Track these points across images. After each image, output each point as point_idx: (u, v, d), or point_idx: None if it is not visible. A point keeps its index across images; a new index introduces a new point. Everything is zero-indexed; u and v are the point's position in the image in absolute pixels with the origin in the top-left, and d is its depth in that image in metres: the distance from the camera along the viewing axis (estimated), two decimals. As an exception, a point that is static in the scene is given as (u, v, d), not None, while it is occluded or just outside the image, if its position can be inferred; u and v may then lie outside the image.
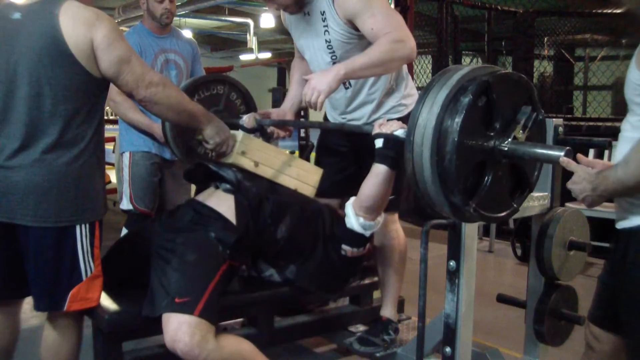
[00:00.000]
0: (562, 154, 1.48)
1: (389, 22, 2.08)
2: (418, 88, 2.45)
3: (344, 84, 2.31)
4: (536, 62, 6.74)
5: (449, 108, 1.48)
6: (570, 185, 1.56)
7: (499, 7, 6.41)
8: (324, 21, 2.21)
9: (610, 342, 1.72)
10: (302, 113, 6.81)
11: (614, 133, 1.76)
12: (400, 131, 1.89)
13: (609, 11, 5.86)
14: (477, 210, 1.53)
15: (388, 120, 2.03)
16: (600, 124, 5.38)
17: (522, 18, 6.22)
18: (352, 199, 2.09)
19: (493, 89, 1.50)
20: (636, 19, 1.61)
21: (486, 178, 1.54)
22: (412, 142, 1.52)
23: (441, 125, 1.47)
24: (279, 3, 2.22)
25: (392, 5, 4.87)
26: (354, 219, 2.07)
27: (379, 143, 1.97)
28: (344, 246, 2.11)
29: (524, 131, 1.56)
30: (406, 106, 2.36)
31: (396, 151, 1.91)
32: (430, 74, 6.44)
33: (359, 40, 2.19)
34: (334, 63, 2.27)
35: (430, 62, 6.31)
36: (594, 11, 6.31)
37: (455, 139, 1.44)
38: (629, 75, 1.57)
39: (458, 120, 1.45)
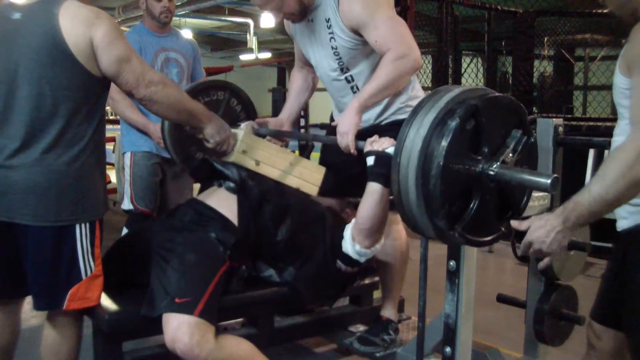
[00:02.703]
0: (549, 181, 1.45)
1: (391, 34, 2.06)
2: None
3: (352, 88, 2.31)
4: (536, 62, 6.73)
5: (436, 131, 1.46)
6: (530, 237, 1.49)
7: (499, 7, 6.41)
8: (329, 28, 2.20)
9: (611, 340, 1.72)
10: (301, 113, 6.81)
11: (614, 133, 1.76)
12: (391, 148, 1.86)
13: (609, 11, 5.85)
14: (463, 234, 1.52)
15: (382, 133, 2.02)
16: (600, 124, 5.37)
17: (522, 18, 6.22)
18: (353, 221, 2.07)
19: (482, 113, 1.48)
20: (622, 21, 1.61)
21: (473, 202, 1.53)
22: (398, 163, 1.51)
23: (427, 149, 1.46)
24: (284, 12, 2.21)
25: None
26: (349, 245, 2.05)
27: (370, 161, 1.95)
28: (339, 262, 2.10)
29: (514, 155, 1.55)
30: (412, 107, 2.35)
31: (388, 169, 1.89)
32: (430, 74, 6.44)
33: (364, 45, 2.18)
34: (341, 69, 2.27)
35: (430, 62, 6.31)
36: (594, 11, 6.30)
37: (441, 163, 1.43)
38: (615, 79, 1.58)
39: (444, 143, 1.44)
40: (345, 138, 2.06)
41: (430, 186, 1.45)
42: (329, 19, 2.18)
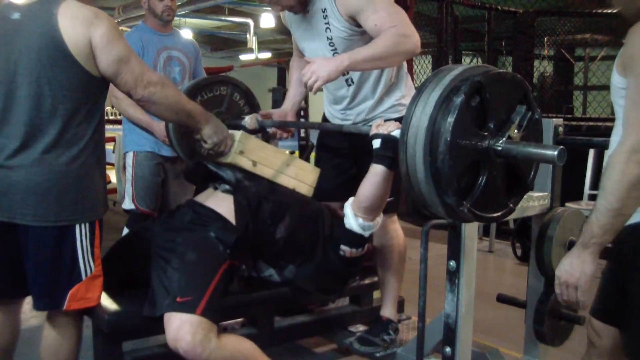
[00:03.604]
0: (555, 153, 1.46)
1: (392, 17, 2.09)
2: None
3: (347, 81, 2.32)
4: (536, 62, 6.74)
5: (442, 108, 1.47)
6: (557, 272, 1.55)
7: (499, 7, 6.42)
8: (325, 18, 2.21)
9: (611, 338, 1.72)
10: (301, 113, 6.81)
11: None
12: (397, 131, 1.88)
13: (609, 11, 5.86)
14: (472, 210, 1.52)
15: (385, 120, 2.03)
16: (600, 124, 5.38)
17: (522, 18, 6.23)
18: (351, 199, 2.09)
19: (486, 89, 1.49)
20: (626, 20, 1.62)
21: (480, 178, 1.54)
22: (405, 142, 1.52)
23: (434, 126, 1.47)
24: (283, 5, 2.22)
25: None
26: (352, 220, 2.06)
27: (376, 144, 1.97)
28: (342, 247, 2.10)
29: (519, 130, 1.56)
30: (405, 106, 2.36)
31: (394, 151, 1.90)
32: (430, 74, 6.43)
33: (361, 36, 2.20)
34: None
35: (430, 62, 6.31)
36: (594, 11, 6.31)
37: (448, 140, 1.44)
38: (612, 79, 1.60)
39: (450, 120, 1.44)
40: (314, 77, 2.04)
41: (438, 163, 1.46)
42: (325, 9, 2.20)
